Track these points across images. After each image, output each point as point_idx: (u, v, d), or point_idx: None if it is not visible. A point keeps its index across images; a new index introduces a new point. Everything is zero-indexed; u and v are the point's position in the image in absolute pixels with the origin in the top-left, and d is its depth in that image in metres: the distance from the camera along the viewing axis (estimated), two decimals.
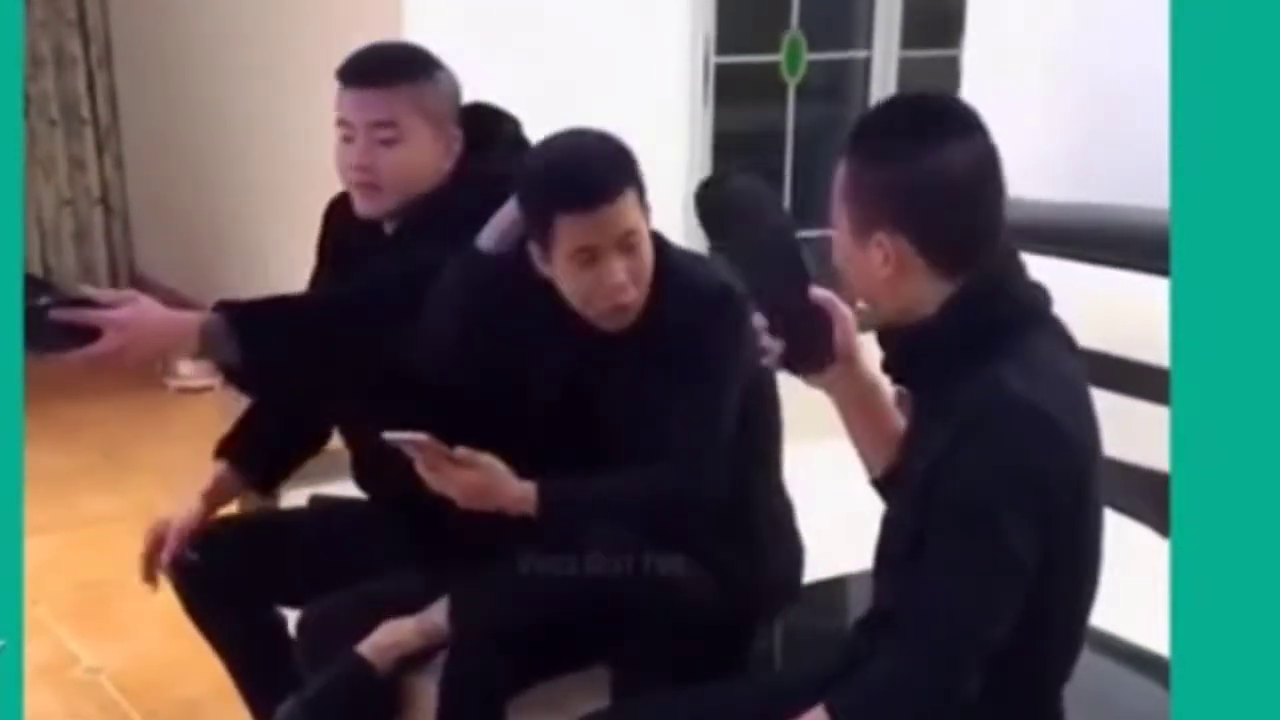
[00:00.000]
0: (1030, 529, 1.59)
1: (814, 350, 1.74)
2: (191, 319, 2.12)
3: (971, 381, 1.61)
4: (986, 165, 1.66)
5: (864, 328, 1.78)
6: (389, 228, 2.24)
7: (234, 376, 2.15)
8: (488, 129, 2.27)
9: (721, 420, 2.01)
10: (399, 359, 2.07)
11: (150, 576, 2.41)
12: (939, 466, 1.60)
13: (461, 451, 1.97)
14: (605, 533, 1.96)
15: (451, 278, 2.09)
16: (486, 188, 2.12)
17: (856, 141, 1.70)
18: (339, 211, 2.35)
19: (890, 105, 1.75)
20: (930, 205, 1.64)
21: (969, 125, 1.66)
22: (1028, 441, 1.59)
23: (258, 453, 2.47)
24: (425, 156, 2.19)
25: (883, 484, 1.86)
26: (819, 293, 1.74)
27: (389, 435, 1.95)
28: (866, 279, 1.69)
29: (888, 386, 1.84)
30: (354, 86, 2.19)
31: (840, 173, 1.70)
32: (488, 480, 1.98)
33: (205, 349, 2.11)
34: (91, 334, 2.02)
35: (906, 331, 1.70)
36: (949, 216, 1.65)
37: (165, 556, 2.37)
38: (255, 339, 2.09)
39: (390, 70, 2.19)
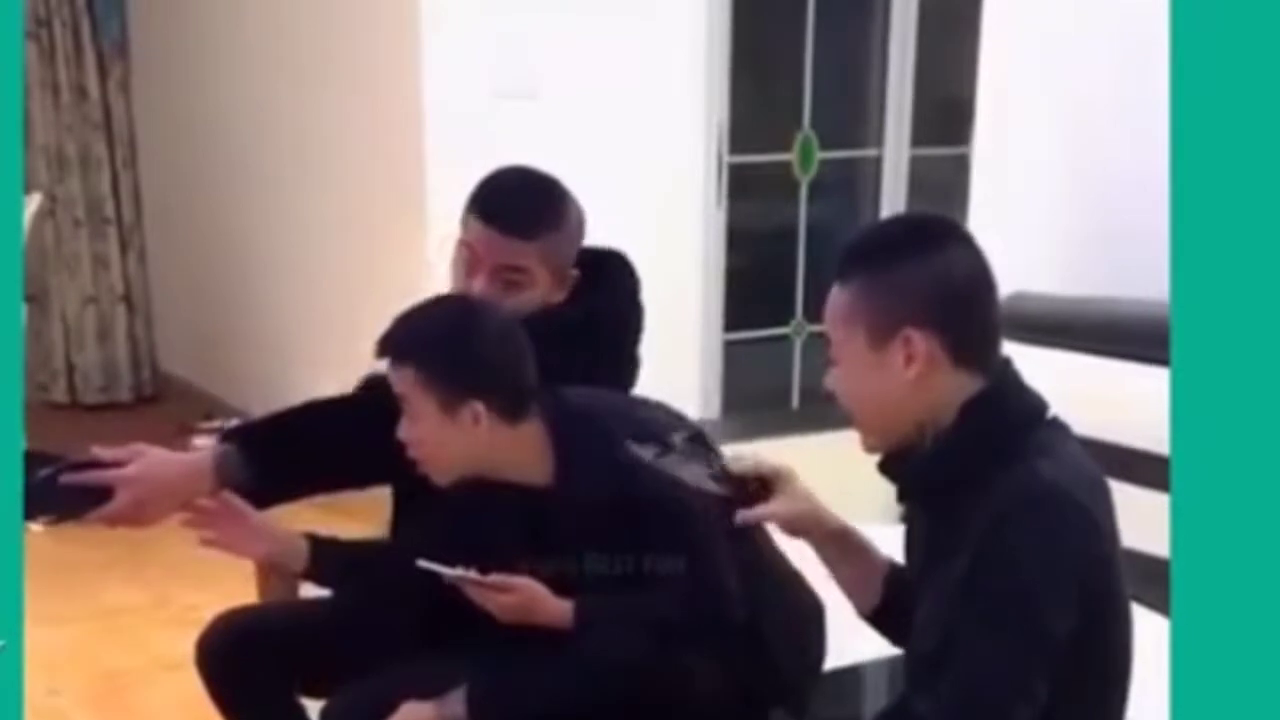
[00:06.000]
0: (1067, 613, 1.63)
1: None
2: (203, 458, 2.14)
3: (1006, 475, 1.66)
4: (984, 263, 1.75)
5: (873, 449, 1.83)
6: None
7: (250, 497, 2.17)
8: (609, 278, 2.33)
9: (711, 544, 2.05)
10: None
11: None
12: (981, 559, 1.64)
13: (494, 578, 2.03)
14: (605, 536, 2.02)
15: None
16: (571, 325, 2.22)
17: (855, 260, 1.76)
18: None
19: (883, 224, 1.85)
20: (955, 295, 1.71)
21: (959, 231, 1.78)
22: (1065, 529, 1.64)
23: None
24: (539, 297, 2.25)
25: (875, 618, 1.93)
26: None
27: (422, 564, 2.01)
28: (886, 390, 1.73)
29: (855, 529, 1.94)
30: (491, 226, 2.21)
31: (841, 297, 1.75)
32: (525, 601, 2.04)
33: (224, 481, 2.14)
34: (105, 494, 2.04)
35: (925, 450, 1.74)
36: (972, 305, 1.73)
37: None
38: (262, 458, 2.16)
39: (531, 220, 2.21)
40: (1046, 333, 3.05)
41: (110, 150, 6.01)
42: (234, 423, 5.07)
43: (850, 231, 5.02)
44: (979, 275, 1.74)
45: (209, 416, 5.25)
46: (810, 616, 2.26)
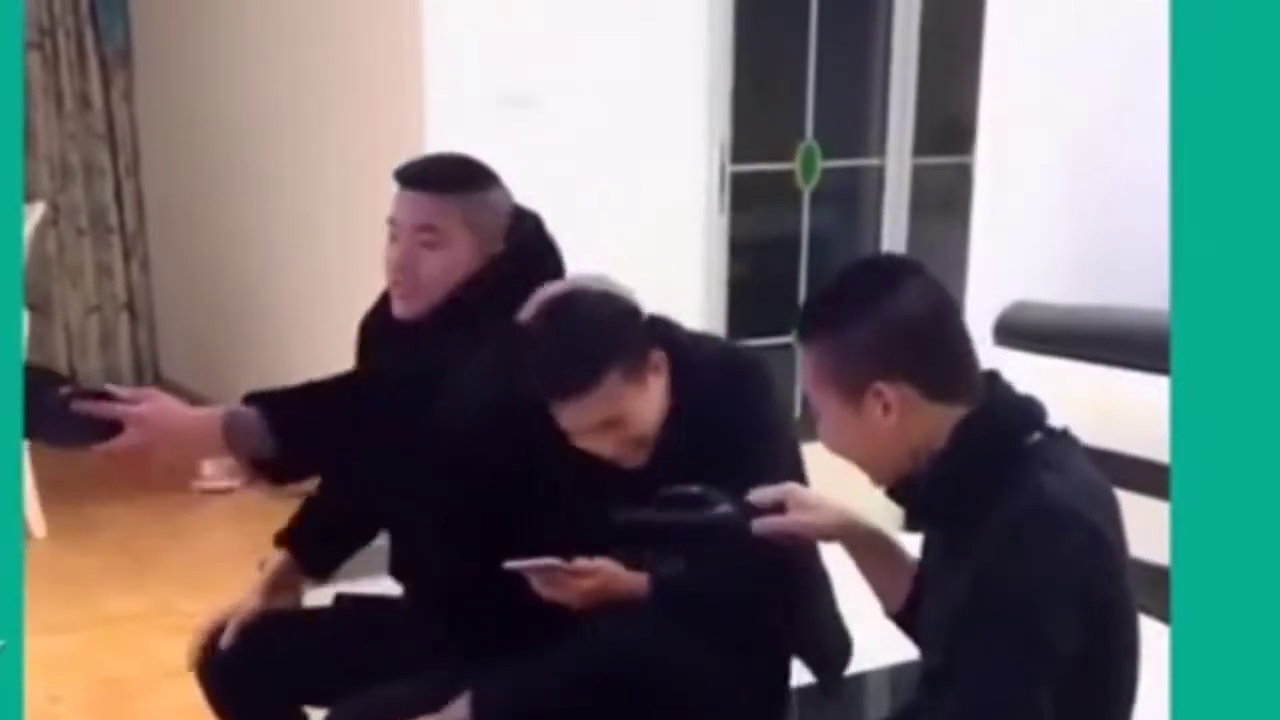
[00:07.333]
0: (1072, 630, 1.63)
1: None
2: (214, 415, 2.08)
3: (1012, 491, 1.66)
4: (940, 292, 1.76)
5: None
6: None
7: (263, 468, 2.11)
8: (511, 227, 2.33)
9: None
10: (423, 440, 2.08)
11: (198, 665, 2.39)
12: (985, 574, 1.65)
13: (580, 563, 2.03)
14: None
15: (491, 353, 2.11)
16: (501, 285, 2.20)
17: (811, 323, 1.79)
18: (373, 321, 2.41)
19: (832, 281, 1.85)
20: (913, 338, 1.72)
21: (907, 266, 1.79)
22: (1068, 544, 1.64)
23: (319, 540, 2.50)
24: (462, 263, 2.25)
25: (900, 617, 1.92)
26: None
27: (510, 564, 2.01)
28: (872, 438, 1.75)
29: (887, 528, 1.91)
30: (406, 189, 2.27)
31: (807, 360, 1.78)
32: (604, 582, 2.05)
33: (230, 444, 2.08)
34: (112, 429, 1.99)
35: (925, 474, 1.75)
36: (933, 342, 1.74)
37: (224, 641, 2.37)
38: (287, 427, 2.08)
39: (443, 179, 2.27)
40: (1047, 341, 3.06)
41: (113, 159, 6.03)
42: None
43: (852, 241, 5.05)
44: (935, 309, 1.75)
45: None
46: (820, 586, 2.25)
